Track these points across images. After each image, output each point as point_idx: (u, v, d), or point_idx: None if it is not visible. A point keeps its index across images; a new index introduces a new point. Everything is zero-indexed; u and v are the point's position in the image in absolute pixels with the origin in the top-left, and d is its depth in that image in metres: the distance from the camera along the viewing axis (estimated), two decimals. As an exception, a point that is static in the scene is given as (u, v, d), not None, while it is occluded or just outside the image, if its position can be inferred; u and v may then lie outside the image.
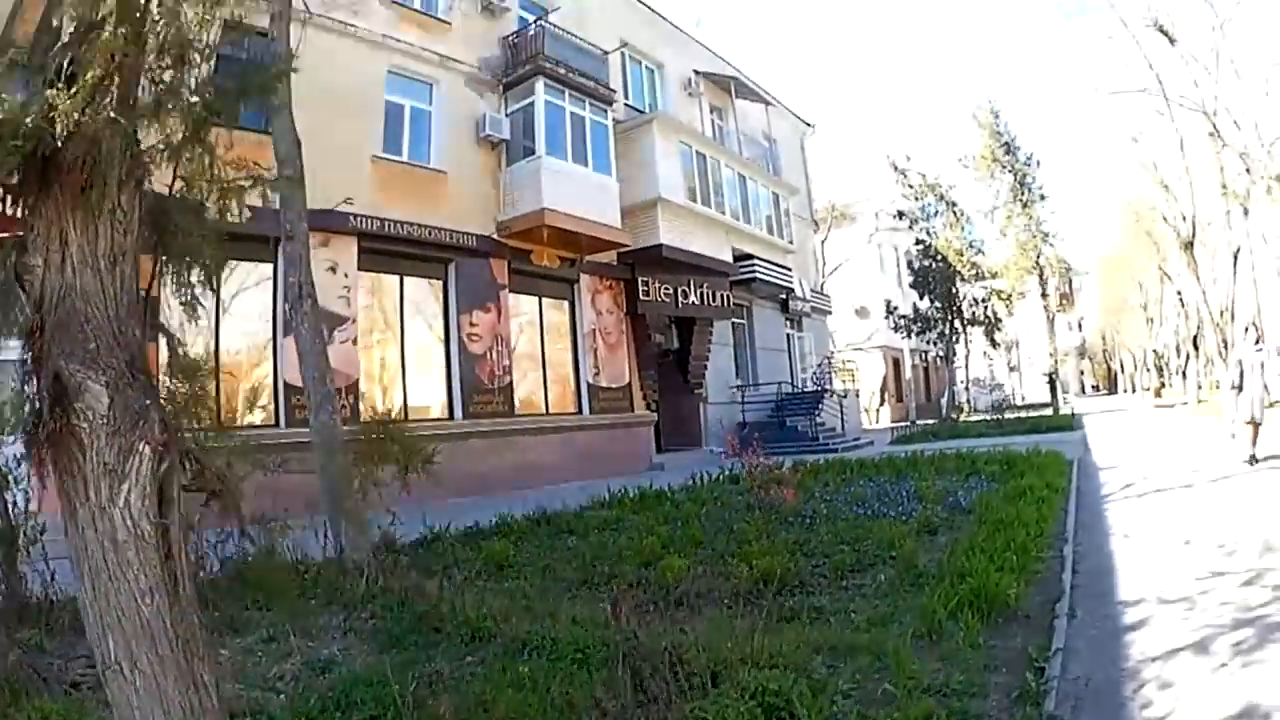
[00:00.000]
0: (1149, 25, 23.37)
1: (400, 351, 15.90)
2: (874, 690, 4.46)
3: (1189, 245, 31.01)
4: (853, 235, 46.47)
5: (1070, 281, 68.09)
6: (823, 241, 43.47)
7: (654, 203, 20.12)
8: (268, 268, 13.56)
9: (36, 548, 5.94)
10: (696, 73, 26.00)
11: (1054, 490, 10.64)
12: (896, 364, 47.72)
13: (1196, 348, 42.60)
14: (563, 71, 18.09)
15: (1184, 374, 47.87)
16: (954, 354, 40.62)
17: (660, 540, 8.48)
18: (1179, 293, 43.85)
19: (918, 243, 39.33)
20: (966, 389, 47.67)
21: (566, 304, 19.72)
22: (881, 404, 46.76)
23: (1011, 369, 72.99)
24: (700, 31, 28.21)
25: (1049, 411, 37.09)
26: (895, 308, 39.21)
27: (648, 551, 7.93)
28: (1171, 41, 22.28)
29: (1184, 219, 30.93)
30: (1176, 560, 7.06)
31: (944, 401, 41.38)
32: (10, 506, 5.87)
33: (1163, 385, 56.09)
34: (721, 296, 23.29)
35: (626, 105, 22.39)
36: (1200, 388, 39.90)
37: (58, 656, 5.03)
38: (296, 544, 7.33)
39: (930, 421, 37.28)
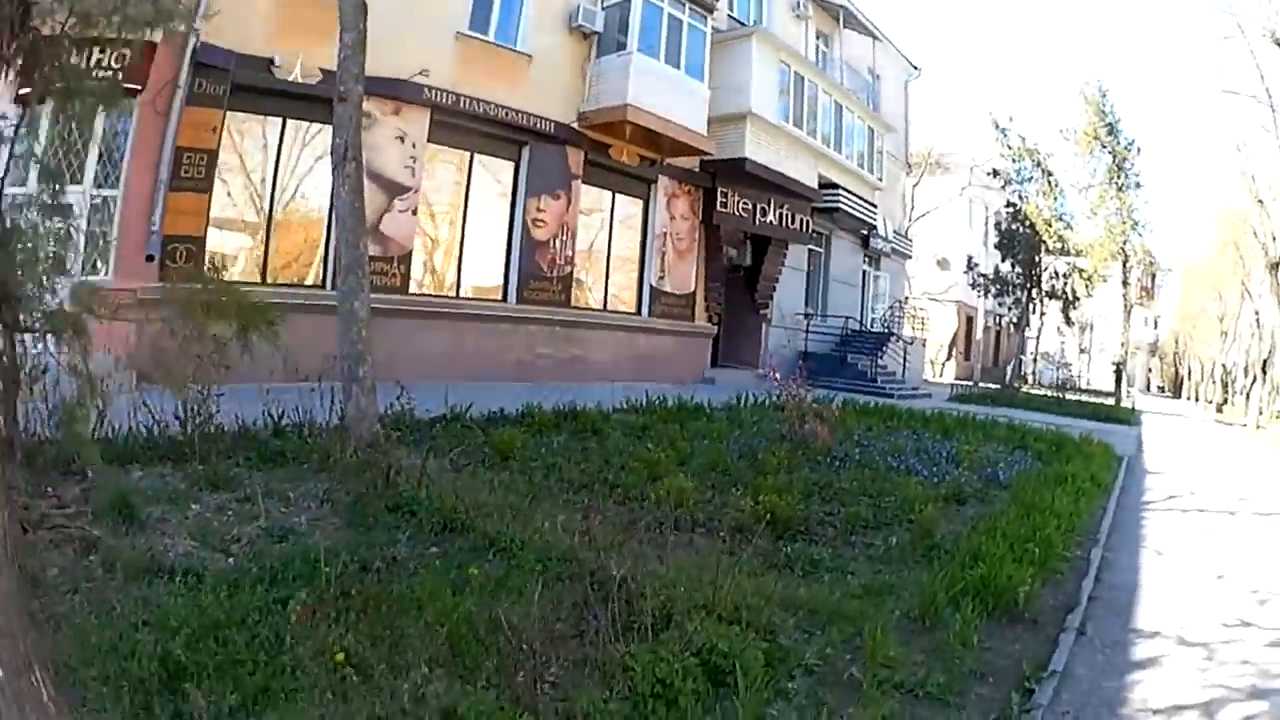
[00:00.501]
0: (1265, 35, 21.42)
1: (461, 228, 15.24)
2: (841, 672, 3.88)
3: (1275, 266, 29.41)
4: (945, 185, 44.28)
5: (1154, 276, 65.36)
6: (914, 186, 41.50)
7: (744, 116, 19.01)
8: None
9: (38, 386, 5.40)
10: None
11: (1097, 484, 9.86)
12: (969, 321, 45.86)
13: (1265, 371, 40.70)
14: None
15: (1248, 395, 45.68)
16: (1028, 322, 39.14)
17: (679, 456, 8.07)
18: (1256, 312, 42.10)
19: (1008, 204, 37.47)
20: (1034, 361, 46.11)
21: (641, 204, 18.88)
22: (948, 359, 45.31)
23: (1082, 351, 69.89)
24: None
25: (1111, 401, 35.38)
26: (976, 264, 37.75)
27: (660, 466, 7.34)
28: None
29: (1274, 239, 29.18)
30: (1205, 595, 6.21)
31: (1010, 368, 40.09)
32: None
33: (1225, 401, 53.66)
34: (800, 220, 22.17)
35: (730, 17, 21.11)
36: (1261, 412, 38.12)
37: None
38: (320, 408, 7.22)
39: (993, 385, 36.11)
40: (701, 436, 9.58)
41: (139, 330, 10.09)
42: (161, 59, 11.22)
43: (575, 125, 16.55)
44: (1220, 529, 8.95)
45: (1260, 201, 29.54)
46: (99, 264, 11.11)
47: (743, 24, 21.10)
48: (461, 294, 15.31)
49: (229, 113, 11.98)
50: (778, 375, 10.74)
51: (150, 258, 11.07)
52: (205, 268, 11.40)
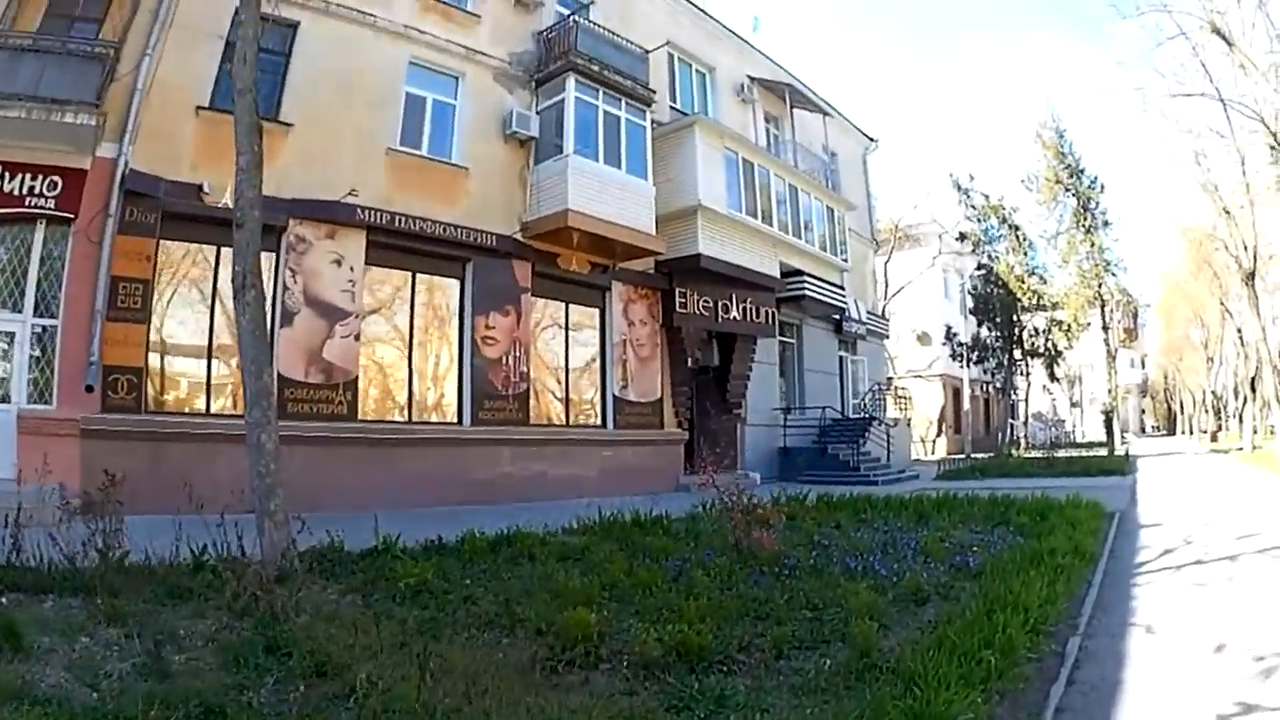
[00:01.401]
0: (1203, 27, 21.38)
1: (408, 351, 15.24)
2: None
3: (1250, 278, 29.62)
4: (917, 258, 44.89)
5: (1135, 315, 66.94)
6: (885, 263, 42.19)
7: (694, 210, 19.15)
8: (271, 257, 13.04)
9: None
10: (750, 78, 24.90)
11: (1081, 556, 9.31)
12: (956, 393, 45.88)
13: (1254, 390, 41.46)
14: (597, 69, 17.26)
15: (1240, 417, 46.26)
16: (1013, 386, 39.42)
17: (605, 580, 7.60)
18: (1239, 330, 42.42)
19: (979, 267, 38.46)
20: (1025, 424, 46.24)
21: (597, 312, 18.86)
22: (939, 434, 45.27)
23: (1073, 405, 71.15)
24: (758, 37, 27.03)
25: (1104, 451, 35.66)
26: (955, 334, 38.33)
27: (577, 595, 6.92)
28: (1229, 44, 20.38)
29: (1245, 248, 29.40)
30: (1201, 676, 5.56)
31: (1001, 435, 40.11)
32: None
33: (1219, 428, 54.87)
34: (766, 313, 22.25)
35: (673, 108, 21.51)
36: (1255, 432, 38.54)
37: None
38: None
39: (988, 455, 36.00)
40: (644, 554, 9.15)
41: (83, 460, 9.98)
42: (92, 186, 11.61)
43: (519, 237, 16.66)
44: (1220, 581, 8.42)
45: (1227, 212, 29.83)
46: (44, 393, 11.34)
47: (685, 114, 21.34)
48: (413, 418, 15.18)
49: (162, 241, 12.21)
50: (715, 480, 9.96)
51: (89, 388, 11.24)
52: (144, 399, 11.81)
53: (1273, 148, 22.08)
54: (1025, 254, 37.80)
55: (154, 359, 12.22)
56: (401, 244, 14.71)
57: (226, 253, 12.49)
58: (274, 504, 7.10)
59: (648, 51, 19.05)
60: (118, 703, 4.28)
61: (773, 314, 22.59)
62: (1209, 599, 7.74)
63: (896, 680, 4.93)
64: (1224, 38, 20.63)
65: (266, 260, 12.73)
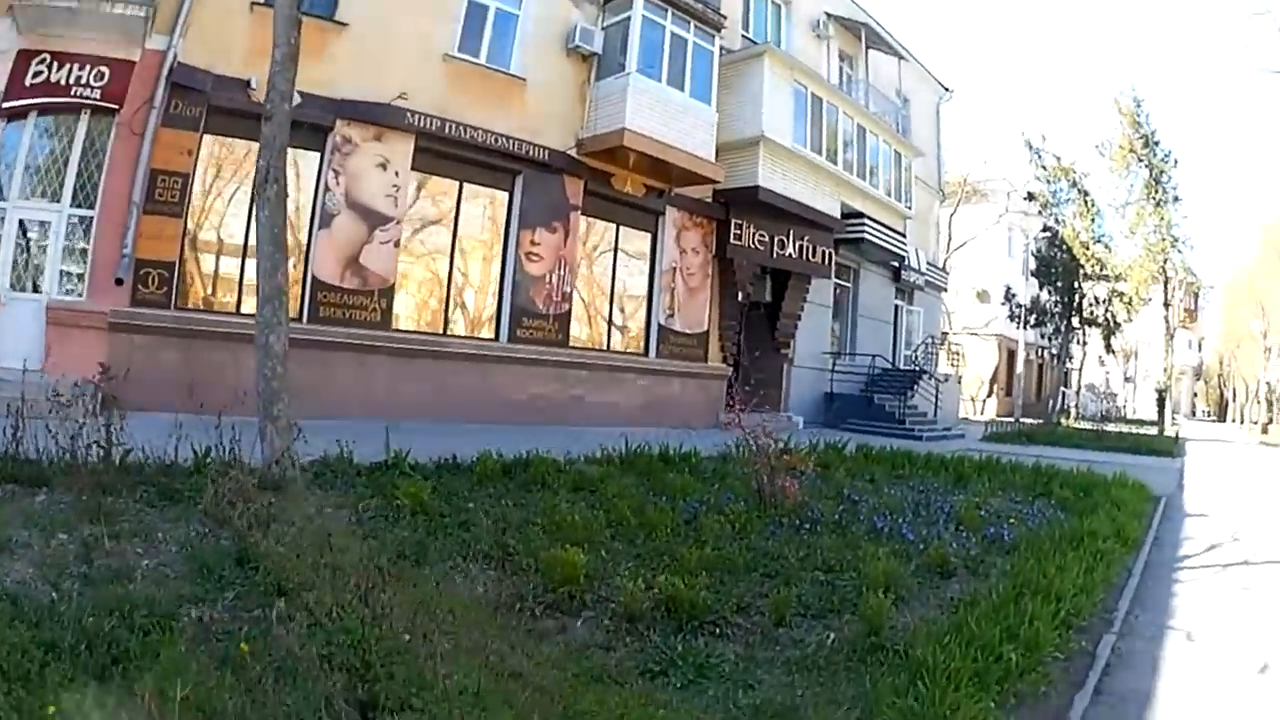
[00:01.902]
0: None
1: (450, 261, 15.19)
2: None
3: None
4: (983, 214, 44.23)
5: (1196, 297, 65.65)
6: (950, 215, 41.56)
7: (756, 140, 18.74)
8: (315, 157, 13.13)
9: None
10: (828, 14, 24.29)
11: (1123, 540, 8.66)
12: (1011, 355, 45.59)
13: None
14: None
15: None
16: (1068, 353, 38.77)
17: (606, 520, 7.22)
18: None
19: (1045, 229, 37.58)
20: (1078, 393, 45.66)
21: (648, 236, 18.67)
22: (989, 395, 45.08)
23: (1127, 379, 70.24)
24: None
25: (1154, 431, 35.13)
26: (1014, 295, 37.61)
27: (577, 531, 6.57)
28: None
29: None
30: (1242, 702, 5.00)
31: (1052, 402, 39.67)
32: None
33: (1270, 421, 53.95)
34: (822, 253, 21.90)
35: (744, 38, 21.05)
36: None
37: None
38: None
39: (1035, 421, 35.61)
40: (662, 492, 8.82)
41: (111, 353, 10.13)
42: (139, 78, 11.57)
43: (573, 153, 16.45)
44: (1267, 588, 7.73)
45: None
46: (77, 285, 11.52)
47: (756, 44, 20.92)
48: (449, 331, 15.19)
49: (206, 136, 12.16)
50: (741, 419, 9.48)
51: (119, 281, 11.31)
52: (174, 294, 11.89)
53: None
54: (1092, 220, 36.76)
55: (189, 255, 12.30)
56: (451, 152, 14.59)
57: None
58: (278, 409, 7.05)
59: None
60: (72, 604, 4.20)
61: (829, 254, 22.23)
62: (1255, 607, 7.12)
63: (902, 670, 4.47)
64: None
65: (311, 160, 12.99)
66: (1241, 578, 8.17)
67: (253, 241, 12.56)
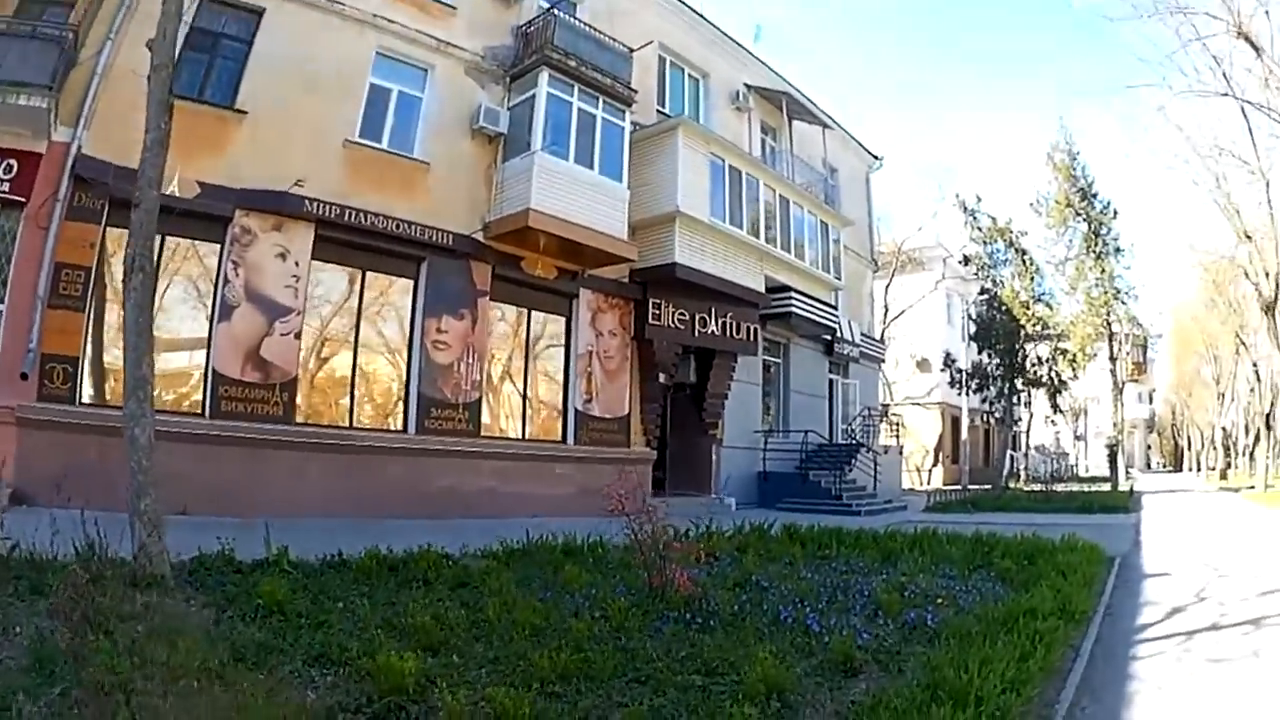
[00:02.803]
0: (1229, 32, 21.77)
1: (353, 352, 15.82)
2: None
3: (1270, 307, 30.56)
4: (920, 282, 46.33)
5: (1144, 349, 69.09)
6: (886, 285, 43.67)
7: (671, 216, 19.76)
8: (216, 248, 13.85)
9: None
10: (747, 86, 25.75)
11: (1068, 616, 8.29)
12: (955, 422, 47.58)
13: (1269, 426, 43.00)
14: (573, 64, 17.90)
15: (1251, 454, 47.60)
16: (1013, 416, 40.40)
17: (469, 619, 7.12)
18: (1255, 364, 44.70)
19: (982, 291, 39.49)
20: (1025, 455, 47.35)
21: (562, 321, 19.45)
22: (935, 464, 46.91)
23: (1078, 437, 73.75)
24: (758, 46, 28.24)
25: (1107, 487, 36.84)
26: (954, 360, 39.27)
27: (432, 631, 6.52)
28: (1258, 51, 20.79)
29: (1267, 275, 30.36)
30: None
31: (1001, 466, 41.18)
32: None
33: (1229, 465, 57.69)
34: (748, 329, 22.88)
35: (660, 112, 22.25)
36: (1268, 469, 39.85)
37: None
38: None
39: (983, 487, 37.23)
40: (549, 587, 8.76)
41: (19, 449, 10.74)
42: (45, 171, 12.32)
43: (479, 237, 17.26)
44: (1243, 657, 7.30)
45: (1248, 236, 30.77)
46: None
47: (671, 118, 21.93)
48: (354, 424, 15.72)
49: (109, 228, 12.75)
50: (621, 499, 8.90)
51: (24, 376, 11.80)
52: (79, 389, 12.37)
53: None
54: (1032, 279, 38.74)
55: (92, 349, 12.78)
56: (352, 240, 15.31)
57: (171, 242, 13.30)
58: (145, 503, 7.30)
59: (632, 50, 19.67)
60: None
61: (755, 330, 23.19)
62: (1231, 682, 6.65)
63: None
64: (1252, 44, 21.01)
65: (212, 251, 13.64)
66: (1212, 646, 7.84)
67: (156, 337, 13.26)
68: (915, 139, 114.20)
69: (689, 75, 24.37)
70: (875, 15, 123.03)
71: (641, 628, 7.15)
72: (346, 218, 14.98)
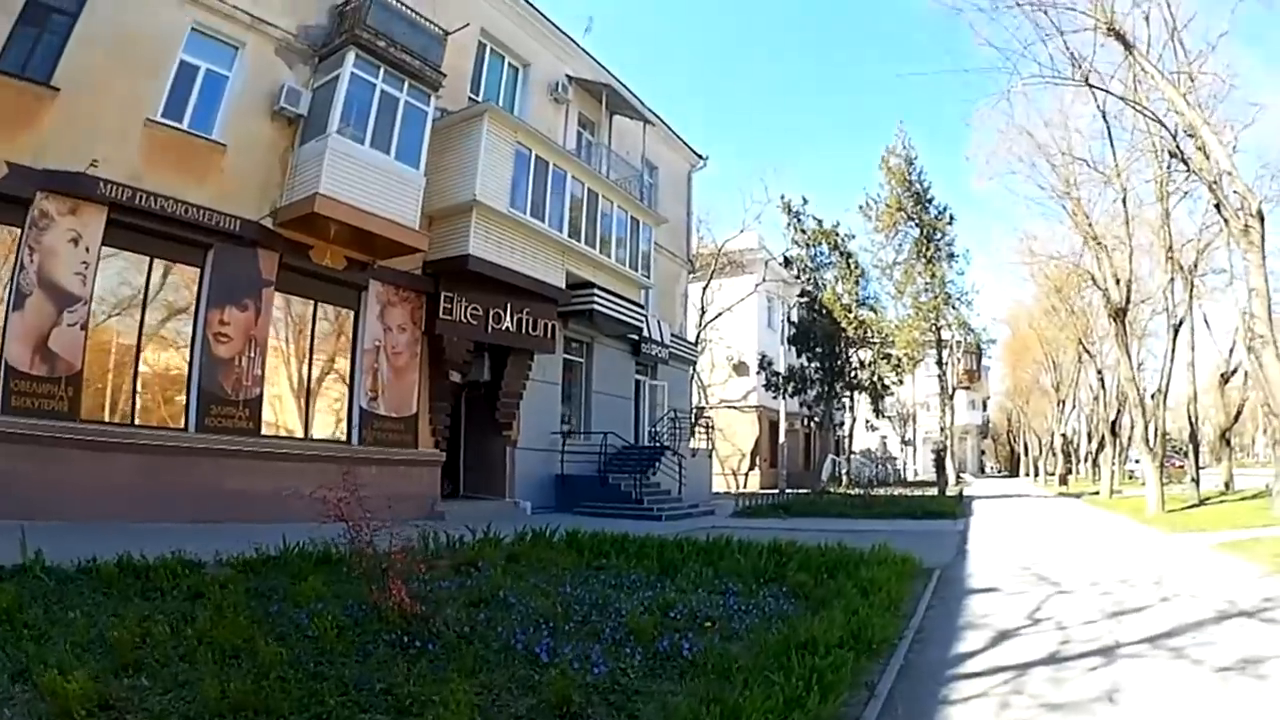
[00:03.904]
0: (1099, 27, 22.27)
1: (137, 344, 17.01)
2: None
3: (1120, 313, 33.22)
4: (741, 285, 50.16)
5: (979, 356, 76.02)
6: (704, 287, 47.43)
7: (469, 206, 21.91)
8: (17, 232, 15.09)
9: None
10: (569, 77, 28.29)
11: (863, 646, 8.13)
12: (773, 426, 51.55)
13: (1115, 433, 48.03)
14: (382, 45, 19.66)
15: (1095, 461, 53.75)
16: (832, 420, 44.49)
17: (169, 637, 7.16)
18: (1099, 372, 49.94)
19: (802, 294, 43.22)
20: (848, 459, 52.05)
21: (351, 314, 21.35)
22: (752, 468, 50.90)
23: (905, 443, 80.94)
24: (586, 39, 30.79)
25: (935, 491, 40.52)
26: (770, 363, 43.74)
27: (123, 651, 6.54)
28: (1128, 48, 21.83)
29: (1117, 282, 33.17)
30: None
31: (821, 471, 45.05)
32: None
33: (1069, 471, 64.69)
34: (545, 326, 25.13)
35: (472, 100, 24.29)
36: (1114, 476, 44.48)
37: None
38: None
39: (802, 491, 40.46)
40: (285, 599, 9.05)
41: None
42: None
43: (268, 224, 18.91)
44: (1091, 701, 6.82)
45: (1098, 242, 33.96)
46: None
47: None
48: (138, 421, 16.88)
49: None
50: (338, 506, 8.76)
51: None
52: None
53: (1172, 154, 24.79)
54: (856, 282, 42.94)
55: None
56: (144, 225, 16.60)
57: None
58: None
59: (448, 33, 21.62)
60: None
61: (553, 327, 25.59)
62: None
63: None
64: (1124, 42, 22.13)
65: (10, 235, 15.00)
66: (1050, 687, 7.31)
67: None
68: (752, 140, 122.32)
69: (509, 64, 26.70)
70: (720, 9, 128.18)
71: (349, 651, 7.14)
72: (138, 201, 16.32)
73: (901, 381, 46.18)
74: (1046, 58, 21.01)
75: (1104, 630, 9.54)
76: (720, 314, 49.12)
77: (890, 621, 9.34)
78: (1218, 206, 20.46)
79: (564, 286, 25.29)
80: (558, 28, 28.09)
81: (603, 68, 30.05)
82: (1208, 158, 19.12)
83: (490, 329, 23.63)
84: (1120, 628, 9.68)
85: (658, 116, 33.08)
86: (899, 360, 44.60)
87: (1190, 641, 8.93)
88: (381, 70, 19.84)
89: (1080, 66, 22.52)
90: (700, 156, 37.93)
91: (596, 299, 26.88)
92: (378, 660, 6.94)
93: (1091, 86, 23.58)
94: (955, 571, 14.66)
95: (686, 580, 11.44)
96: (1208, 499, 33.88)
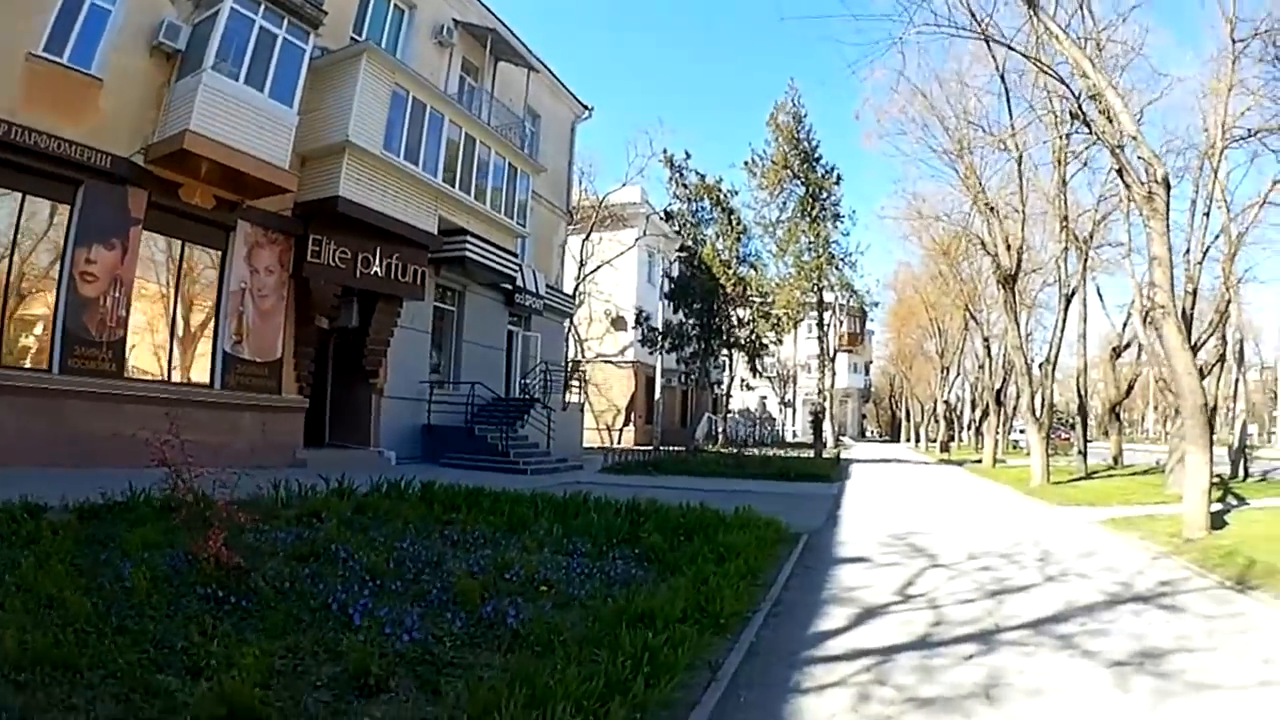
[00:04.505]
0: None
1: (4, 285, 17.90)
2: None
3: (1010, 280, 35.16)
4: (623, 239, 52.23)
5: (863, 319, 79.82)
6: (584, 240, 49.59)
7: (341, 147, 23.18)
8: None
9: None
10: (455, 21, 29.70)
11: (711, 620, 8.19)
12: (650, 383, 54.20)
13: (999, 403, 50.88)
14: None
15: (978, 430, 57.05)
16: (709, 378, 47.66)
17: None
18: (986, 339, 53.17)
19: (681, 249, 45.59)
20: (725, 419, 55.78)
21: (218, 255, 22.51)
22: (627, 424, 53.42)
23: (785, 404, 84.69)
24: None
25: (813, 454, 42.33)
26: (647, 318, 46.00)
27: None
28: (1033, 8, 21.14)
29: (1008, 248, 35.05)
30: None
31: (697, 429, 47.25)
32: None
33: (951, 439, 68.65)
34: (416, 272, 26.54)
35: (354, 40, 25.53)
36: (998, 444, 47.22)
37: None
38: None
39: (677, 449, 42.81)
40: (117, 547, 9.30)
41: None
42: None
43: (139, 161, 19.86)
44: (967, 697, 6.60)
45: (990, 206, 35.83)
46: None
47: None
48: (3, 362, 17.83)
49: None
50: (162, 452, 9.02)
51: None
52: None
53: (1074, 115, 24.67)
54: (737, 239, 45.36)
55: None
56: (18, 160, 17.46)
57: None
58: None
59: None
60: None
61: (423, 274, 27.00)
62: None
63: None
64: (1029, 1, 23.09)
65: None
66: (920, 676, 7.16)
67: None
68: (642, 94, 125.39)
69: (395, 5, 28.06)
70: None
71: (161, 605, 7.26)
72: (13, 136, 17.21)
73: (780, 341, 48.58)
74: (946, 11, 21.36)
75: (983, 611, 9.48)
76: (599, 267, 51.01)
77: (745, 592, 9.36)
78: (1120, 172, 20.52)
79: (437, 233, 26.68)
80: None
81: (491, 13, 31.40)
82: (1111, 122, 19.58)
83: (359, 274, 24.87)
84: (1001, 609, 9.63)
85: (544, 64, 34.73)
86: (778, 319, 47.15)
87: (1080, 629, 8.80)
88: (262, 6, 20.91)
89: (979, 22, 22.54)
90: (585, 107, 39.61)
91: (469, 246, 28.29)
92: (185, 616, 7.04)
93: (990, 40, 23.92)
94: (824, 538, 14.84)
95: (533, 539, 11.63)
96: (1095, 473, 35.85)
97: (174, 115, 19.92)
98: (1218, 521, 16.59)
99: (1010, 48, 24.49)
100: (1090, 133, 22.79)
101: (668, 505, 14.58)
